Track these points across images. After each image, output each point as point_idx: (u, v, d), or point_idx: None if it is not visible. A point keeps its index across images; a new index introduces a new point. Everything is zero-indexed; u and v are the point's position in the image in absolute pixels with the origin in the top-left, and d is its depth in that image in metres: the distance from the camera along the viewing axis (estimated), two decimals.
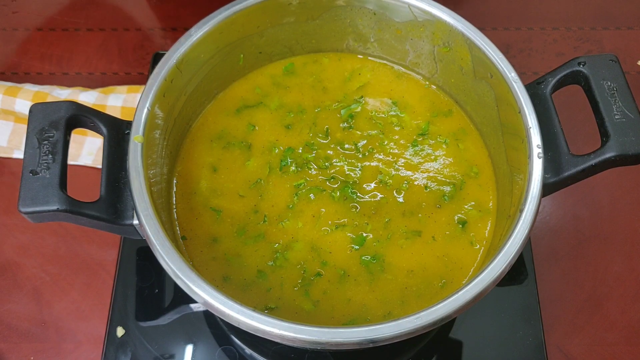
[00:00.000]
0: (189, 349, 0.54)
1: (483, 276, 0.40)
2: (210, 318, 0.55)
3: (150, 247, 0.42)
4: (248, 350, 0.54)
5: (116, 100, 0.65)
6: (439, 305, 0.40)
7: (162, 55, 0.49)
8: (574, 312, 0.58)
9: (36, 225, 0.62)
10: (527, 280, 0.57)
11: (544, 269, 0.59)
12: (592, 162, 0.43)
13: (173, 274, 0.41)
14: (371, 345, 0.39)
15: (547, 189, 0.44)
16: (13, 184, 0.63)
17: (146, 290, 0.57)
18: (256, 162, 0.53)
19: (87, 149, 0.63)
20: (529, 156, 0.44)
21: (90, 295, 0.59)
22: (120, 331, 0.55)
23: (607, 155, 0.42)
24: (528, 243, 0.58)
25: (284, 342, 0.39)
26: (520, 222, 0.42)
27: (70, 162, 0.61)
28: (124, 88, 0.67)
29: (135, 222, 0.43)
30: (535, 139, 0.44)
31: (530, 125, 0.45)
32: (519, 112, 0.45)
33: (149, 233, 0.42)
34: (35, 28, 0.74)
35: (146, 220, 0.42)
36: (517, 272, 0.57)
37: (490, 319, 0.55)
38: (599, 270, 0.60)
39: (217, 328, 0.55)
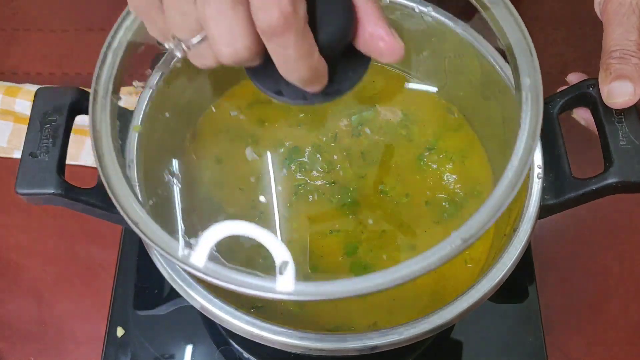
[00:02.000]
0: (189, 349, 0.54)
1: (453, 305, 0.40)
2: (209, 318, 0.55)
3: (146, 247, 0.42)
4: (246, 354, 0.54)
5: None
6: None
7: (163, 55, 0.48)
8: (574, 313, 0.58)
9: (36, 225, 0.62)
10: (528, 281, 0.57)
11: (544, 270, 0.59)
12: (593, 187, 0.42)
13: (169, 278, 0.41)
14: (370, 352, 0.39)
15: (546, 210, 0.43)
16: (13, 184, 0.63)
17: (146, 290, 0.57)
18: (261, 158, 0.53)
19: (87, 149, 0.63)
20: (529, 176, 0.43)
21: (90, 296, 0.59)
22: (120, 331, 0.55)
23: (609, 181, 0.41)
24: (529, 249, 0.58)
25: (281, 348, 0.39)
26: (514, 242, 0.42)
27: (70, 162, 0.60)
28: (124, 89, 0.66)
29: None
30: (537, 159, 0.44)
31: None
32: None
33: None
34: (35, 28, 0.74)
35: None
36: (517, 273, 0.56)
37: (490, 320, 0.55)
38: (599, 271, 0.60)
39: (216, 329, 0.55)
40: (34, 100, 0.44)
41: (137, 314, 0.56)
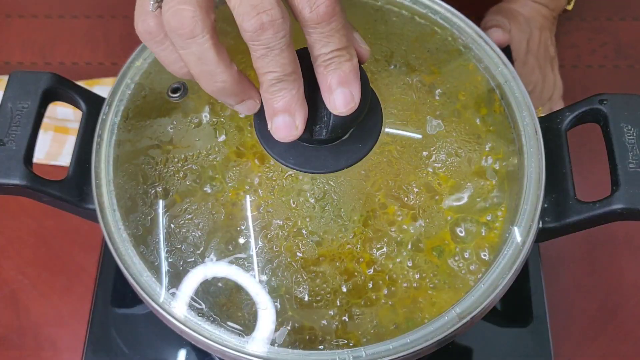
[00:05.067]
0: (175, 356, 0.52)
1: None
2: None
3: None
4: None
5: (101, 93, 0.63)
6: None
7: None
8: (585, 323, 0.57)
9: (14, 225, 0.60)
10: (535, 288, 0.54)
11: (553, 276, 0.58)
12: (597, 212, 0.39)
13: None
14: None
15: (545, 234, 0.41)
16: None
17: (130, 293, 0.54)
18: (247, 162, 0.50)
19: (67, 149, 0.62)
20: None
21: (70, 300, 0.57)
22: (101, 338, 0.52)
23: (614, 207, 0.39)
24: (536, 249, 0.56)
25: None
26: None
27: (50, 162, 0.62)
28: (110, 80, 0.65)
29: None
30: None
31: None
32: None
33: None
34: (16, 14, 0.72)
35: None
36: (524, 280, 0.54)
37: (496, 330, 0.53)
38: (612, 277, 0.58)
39: None
40: (7, 84, 0.42)
41: (120, 316, 0.54)
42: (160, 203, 0.42)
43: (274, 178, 0.42)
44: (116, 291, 0.54)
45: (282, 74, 0.31)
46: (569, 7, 0.67)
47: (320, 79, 0.33)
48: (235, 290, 0.40)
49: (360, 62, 0.35)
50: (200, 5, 0.30)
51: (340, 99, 0.33)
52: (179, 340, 0.51)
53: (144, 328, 0.53)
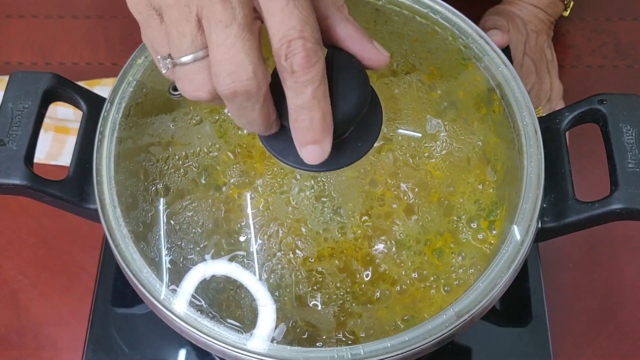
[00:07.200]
0: (175, 356, 0.52)
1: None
2: None
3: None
4: None
5: (102, 93, 0.63)
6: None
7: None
8: (584, 323, 0.56)
9: (15, 225, 0.60)
10: (534, 288, 0.54)
11: (552, 276, 0.57)
12: (596, 211, 0.39)
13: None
14: None
15: (544, 234, 0.41)
16: None
17: (130, 293, 0.54)
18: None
19: (68, 149, 0.62)
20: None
21: (70, 300, 0.57)
22: (101, 337, 0.52)
23: (613, 207, 0.39)
24: (535, 249, 0.55)
25: None
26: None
27: (50, 162, 0.62)
28: (110, 80, 0.65)
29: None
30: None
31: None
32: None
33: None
34: (16, 15, 0.72)
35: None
36: (523, 279, 0.54)
37: (495, 330, 0.53)
38: (613, 276, 0.58)
39: None
40: (7, 84, 0.43)
41: (120, 316, 0.53)
42: (161, 200, 0.42)
43: (274, 176, 0.42)
44: (116, 291, 0.54)
45: (255, 127, 0.34)
46: (566, 14, 0.68)
47: (292, 130, 0.33)
48: (235, 288, 0.40)
49: (377, 69, 0.35)
50: (212, 93, 0.31)
51: (311, 155, 0.33)
52: (179, 340, 0.52)
53: (144, 328, 0.53)
